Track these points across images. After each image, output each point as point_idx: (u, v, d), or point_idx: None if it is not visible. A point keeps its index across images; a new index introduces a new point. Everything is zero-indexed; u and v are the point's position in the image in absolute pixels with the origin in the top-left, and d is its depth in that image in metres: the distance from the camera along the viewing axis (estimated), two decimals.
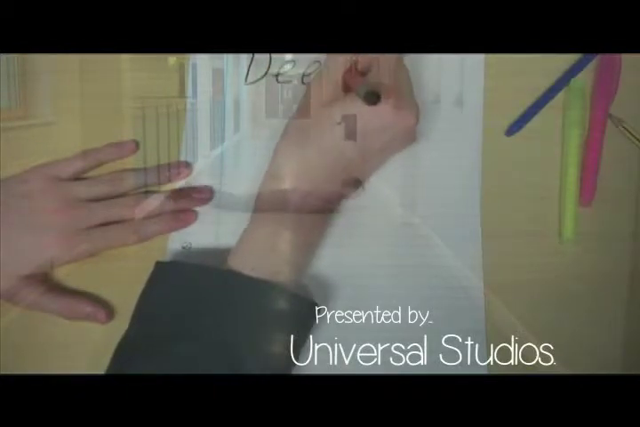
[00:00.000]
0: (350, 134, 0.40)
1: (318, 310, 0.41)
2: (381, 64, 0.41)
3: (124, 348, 0.39)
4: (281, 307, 0.39)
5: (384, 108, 0.39)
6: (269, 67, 0.46)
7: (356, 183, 0.43)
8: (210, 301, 0.38)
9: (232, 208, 0.46)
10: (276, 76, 0.46)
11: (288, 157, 0.42)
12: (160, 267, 0.41)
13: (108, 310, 0.45)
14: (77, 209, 0.43)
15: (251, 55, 0.46)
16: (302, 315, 0.40)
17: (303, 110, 0.42)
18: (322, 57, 0.45)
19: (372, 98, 0.38)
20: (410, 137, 0.43)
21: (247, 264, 0.39)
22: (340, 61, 0.42)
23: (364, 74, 0.42)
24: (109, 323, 0.45)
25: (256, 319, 0.38)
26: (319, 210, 0.42)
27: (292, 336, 0.39)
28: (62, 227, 0.42)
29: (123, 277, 0.46)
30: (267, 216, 0.41)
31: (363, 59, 0.42)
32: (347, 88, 0.42)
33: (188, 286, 0.40)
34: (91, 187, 0.44)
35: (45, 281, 0.44)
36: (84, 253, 0.43)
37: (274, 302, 0.39)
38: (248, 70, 0.46)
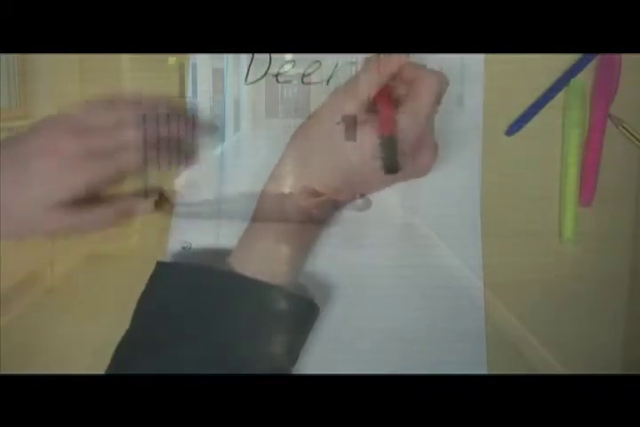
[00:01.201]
0: (350, 135, 0.40)
1: (317, 311, 0.41)
2: (416, 101, 0.39)
3: (125, 347, 0.39)
4: (281, 308, 0.39)
5: (405, 150, 0.39)
6: (269, 67, 0.46)
7: (361, 196, 0.44)
8: (210, 302, 0.38)
9: (232, 208, 0.46)
10: (276, 76, 0.46)
11: (294, 162, 0.41)
12: (161, 267, 0.41)
13: (155, 200, 0.44)
14: (90, 134, 0.41)
15: (251, 55, 0.46)
16: (302, 316, 0.40)
17: (320, 117, 0.41)
18: (321, 57, 0.45)
19: (392, 170, 0.38)
20: (423, 173, 0.43)
21: (248, 266, 0.39)
22: (375, 77, 0.39)
23: (396, 103, 0.40)
24: (109, 323, 0.45)
25: (256, 321, 0.38)
26: (318, 218, 0.42)
27: (291, 337, 0.39)
28: (77, 152, 0.40)
29: (123, 278, 0.46)
30: (267, 217, 0.41)
31: (400, 87, 0.40)
32: (373, 107, 0.40)
33: (188, 287, 0.40)
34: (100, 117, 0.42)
35: (76, 205, 0.42)
36: (99, 179, 0.41)
37: (274, 304, 0.39)
38: (248, 70, 0.46)
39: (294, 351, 0.40)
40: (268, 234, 0.41)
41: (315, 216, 0.41)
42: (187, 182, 0.47)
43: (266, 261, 0.40)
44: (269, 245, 0.40)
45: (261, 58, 0.46)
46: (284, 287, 0.39)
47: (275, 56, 0.46)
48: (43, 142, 0.40)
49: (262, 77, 0.46)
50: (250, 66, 0.46)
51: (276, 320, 0.39)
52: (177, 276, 0.40)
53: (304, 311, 0.40)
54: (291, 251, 0.40)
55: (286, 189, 0.41)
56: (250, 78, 0.46)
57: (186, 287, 0.40)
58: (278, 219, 0.41)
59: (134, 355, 0.38)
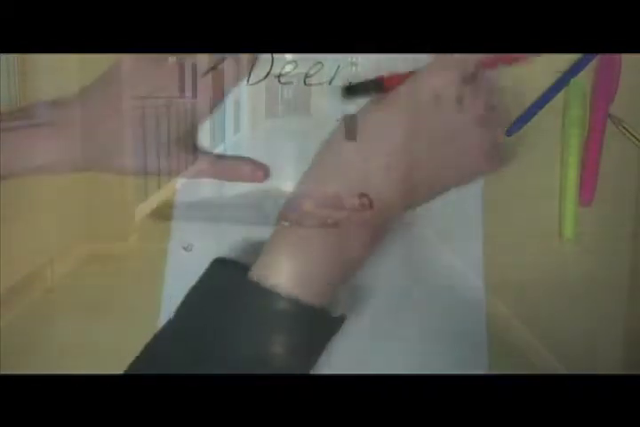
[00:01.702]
0: (350, 134, 0.39)
1: (341, 322, 0.39)
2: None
3: (163, 338, 0.38)
4: (303, 324, 0.37)
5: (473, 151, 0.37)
6: (271, 68, 0.45)
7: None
8: (234, 307, 0.37)
9: (232, 208, 0.46)
10: (278, 76, 0.46)
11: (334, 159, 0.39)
12: (213, 264, 0.40)
13: (266, 170, 0.45)
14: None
15: (250, 56, 0.46)
16: (326, 329, 0.39)
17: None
18: (323, 58, 0.45)
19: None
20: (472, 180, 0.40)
21: (272, 276, 0.37)
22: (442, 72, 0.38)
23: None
24: (109, 323, 0.45)
25: (278, 335, 0.37)
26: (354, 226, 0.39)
27: (310, 349, 0.38)
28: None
29: (123, 278, 0.46)
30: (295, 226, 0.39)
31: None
32: None
33: (224, 290, 0.38)
34: None
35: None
36: None
37: (296, 319, 0.37)
38: (250, 72, 0.46)
39: (312, 360, 0.39)
40: (295, 241, 0.38)
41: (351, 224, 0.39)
42: (187, 182, 0.47)
43: (292, 276, 0.38)
44: (296, 254, 0.38)
45: (263, 58, 0.46)
46: (310, 304, 0.37)
47: (276, 57, 0.46)
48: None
49: (264, 78, 0.46)
50: (252, 67, 0.46)
51: (297, 336, 0.37)
52: (222, 275, 0.39)
53: (329, 326, 0.38)
54: (321, 262, 0.38)
55: (328, 191, 0.38)
56: (251, 80, 0.46)
57: (222, 290, 0.38)
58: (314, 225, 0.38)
59: (164, 350, 0.37)
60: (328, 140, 0.40)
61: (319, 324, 0.38)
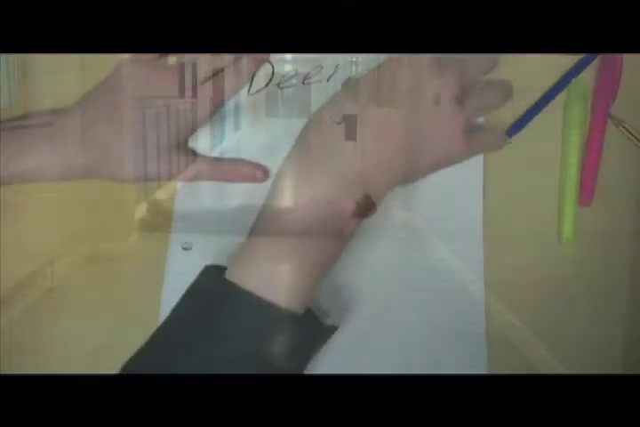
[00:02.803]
0: (351, 134, 0.39)
1: (330, 331, 0.40)
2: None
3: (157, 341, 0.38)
4: (290, 332, 0.37)
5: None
6: (272, 78, 0.45)
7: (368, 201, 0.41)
8: (218, 312, 0.37)
9: (233, 208, 0.46)
10: (278, 84, 0.45)
11: (299, 170, 0.41)
12: (203, 271, 0.40)
13: (265, 171, 0.46)
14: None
15: (250, 67, 0.45)
16: (314, 338, 0.39)
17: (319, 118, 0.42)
18: (323, 61, 0.45)
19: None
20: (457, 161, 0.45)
21: (250, 280, 0.38)
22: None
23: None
24: (109, 323, 0.45)
25: (262, 341, 0.37)
26: (326, 231, 0.40)
27: (299, 356, 0.38)
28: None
29: (123, 278, 0.46)
30: (269, 231, 0.40)
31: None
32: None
33: (208, 292, 0.39)
34: None
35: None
36: None
37: (281, 326, 0.37)
38: (251, 83, 0.45)
39: (301, 364, 0.39)
40: (270, 247, 0.39)
41: (343, 233, 0.40)
42: (187, 185, 0.47)
43: (271, 281, 0.38)
44: (274, 263, 0.38)
45: (263, 66, 0.46)
46: (294, 311, 0.37)
47: (276, 65, 0.45)
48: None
49: (265, 87, 0.46)
50: (253, 77, 0.45)
51: (284, 343, 0.37)
52: (207, 282, 0.40)
53: (317, 334, 0.39)
54: (296, 268, 0.38)
55: (295, 200, 0.39)
56: (252, 89, 0.46)
57: (207, 290, 0.39)
58: (279, 229, 0.39)
59: (165, 351, 0.37)
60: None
61: (304, 329, 0.38)
